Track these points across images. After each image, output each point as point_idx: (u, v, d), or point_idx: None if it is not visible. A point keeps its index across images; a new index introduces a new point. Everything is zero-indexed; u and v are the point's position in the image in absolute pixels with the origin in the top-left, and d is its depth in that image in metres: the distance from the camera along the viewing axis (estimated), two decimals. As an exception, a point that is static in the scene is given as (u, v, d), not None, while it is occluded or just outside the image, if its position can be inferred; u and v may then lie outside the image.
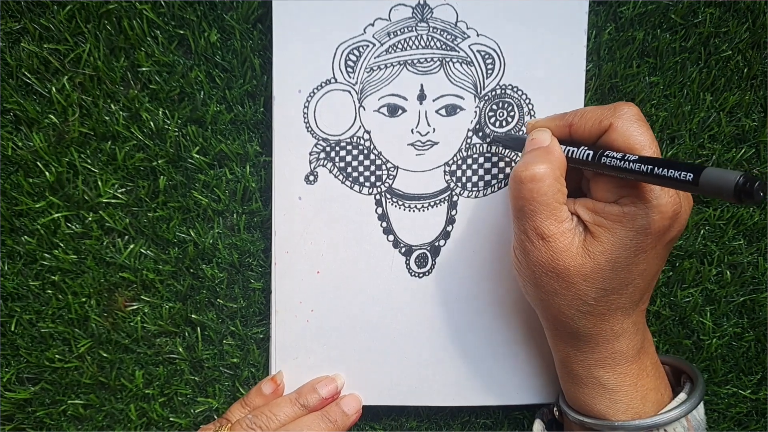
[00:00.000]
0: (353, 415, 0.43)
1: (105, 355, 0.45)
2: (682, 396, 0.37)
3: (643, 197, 0.33)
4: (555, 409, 0.43)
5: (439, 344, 0.44)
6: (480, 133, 0.43)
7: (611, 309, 0.35)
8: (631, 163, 0.32)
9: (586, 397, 0.38)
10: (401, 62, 0.42)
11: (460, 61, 0.42)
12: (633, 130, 0.34)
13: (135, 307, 0.45)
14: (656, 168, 0.30)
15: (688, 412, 0.36)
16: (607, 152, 0.33)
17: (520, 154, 0.39)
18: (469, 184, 0.43)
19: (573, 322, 0.36)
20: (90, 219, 0.43)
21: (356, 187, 0.43)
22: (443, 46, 0.42)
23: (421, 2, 0.42)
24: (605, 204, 0.34)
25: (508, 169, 0.43)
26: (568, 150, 0.36)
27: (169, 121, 0.43)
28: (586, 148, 0.35)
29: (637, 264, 0.34)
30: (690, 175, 0.28)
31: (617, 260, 0.34)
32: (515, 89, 0.42)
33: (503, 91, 0.43)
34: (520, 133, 0.42)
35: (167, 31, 0.42)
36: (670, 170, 0.29)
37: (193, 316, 0.45)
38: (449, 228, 0.43)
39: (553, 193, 0.35)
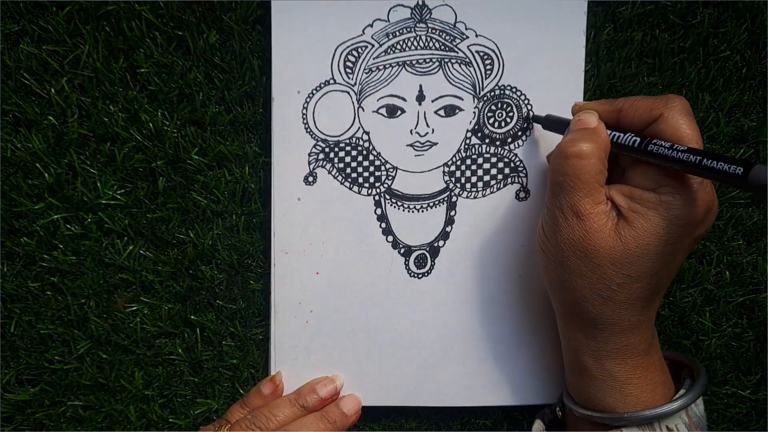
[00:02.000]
0: (353, 415, 0.43)
1: (104, 356, 0.45)
2: (682, 391, 0.37)
3: (683, 188, 0.34)
4: (558, 408, 0.43)
5: (439, 345, 0.44)
6: (479, 134, 0.43)
7: (632, 298, 0.35)
8: (680, 153, 0.32)
9: (595, 390, 0.38)
10: (400, 63, 0.42)
11: (459, 61, 0.42)
12: (682, 123, 0.34)
13: (134, 308, 0.45)
14: (705, 159, 0.30)
15: (689, 403, 0.36)
16: (655, 140, 0.34)
17: (557, 136, 0.40)
18: (468, 185, 0.43)
19: (592, 307, 0.36)
20: (89, 220, 0.43)
21: (355, 188, 0.43)
22: (442, 47, 0.42)
23: (420, 3, 0.42)
24: (643, 191, 0.35)
25: (507, 170, 0.43)
26: (614, 135, 0.36)
27: (168, 122, 0.43)
28: (632, 134, 0.35)
29: (665, 255, 0.35)
30: (740, 170, 0.28)
31: (647, 247, 0.34)
32: (514, 90, 0.42)
33: (502, 92, 0.43)
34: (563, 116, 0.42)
35: (166, 32, 0.42)
36: (720, 163, 0.30)
37: (192, 317, 0.45)
38: (448, 228, 0.43)
39: (596, 173, 0.35)
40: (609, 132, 0.37)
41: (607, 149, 0.36)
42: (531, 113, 0.42)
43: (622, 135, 0.36)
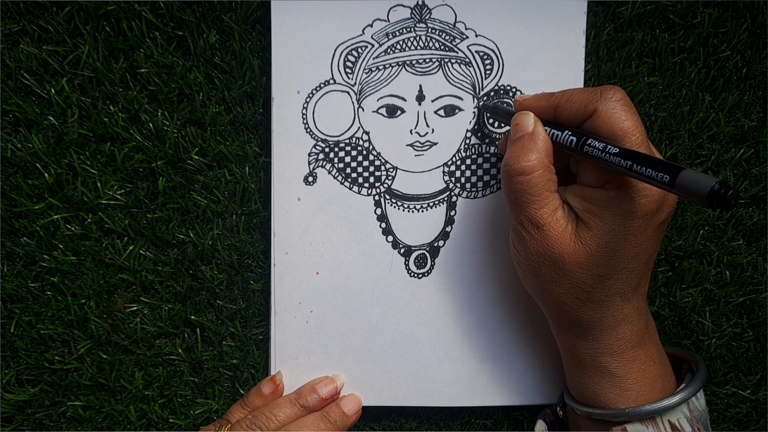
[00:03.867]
0: (353, 415, 0.43)
1: (104, 356, 0.45)
2: (683, 385, 0.37)
3: (627, 182, 0.33)
4: (558, 408, 0.43)
5: (439, 345, 0.44)
6: (479, 134, 0.43)
7: (609, 294, 0.35)
8: (612, 156, 0.32)
9: (595, 387, 0.38)
10: (400, 63, 0.42)
11: (459, 61, 0.42)
12: (617, 116, 0.33)
13: (134, 308, 0.45)
14: (635, 165, 0.30)
15: (690, 397, 0.36)
16: (590, 141, 0.33)
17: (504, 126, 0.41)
18: (468, 185, 0.43)
19: (573, 311, 0.36)
20: (89, 220, 0.43)
21: (355, 188, 0.43)
22: (442, 47, 0.42)
23: (420, 3, 0.42)
24: (592, 189, 0.35)
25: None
26: (553, 134, 0.36)
27: (168, 123, 0.43)
28: (570, 133, 0.35)
29: (629, 248, 0.34)
30: (666, 177, 0.28)
31: (608, 245, 0.34)
32: (514, 90, 0.42)
33: (502, 92, 0.43)
34: (506, 105, 0.42)
35: (166, 32, 0.42)
36: (648, 169, 0.29)
37: (192, 317, 0.45)
38: (448, 228, 0.43)
39: (544, 182, 0.35)
40: (548, 130, 0.36)
41: (549, 153, 0.36)
42: (483, 101, 0.42)
43: (560, 134, 0.35)
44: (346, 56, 0.42)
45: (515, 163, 0.35)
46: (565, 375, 0.41)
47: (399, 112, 0.43)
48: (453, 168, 0.43)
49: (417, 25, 0.42)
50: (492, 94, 0.43)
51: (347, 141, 0.43)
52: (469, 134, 0.43)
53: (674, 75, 0.44)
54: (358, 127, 0.43)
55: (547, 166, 0.35)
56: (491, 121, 0.43)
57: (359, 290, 0.44)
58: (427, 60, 0.42)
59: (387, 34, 0.42)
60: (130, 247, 0.44)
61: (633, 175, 0.31)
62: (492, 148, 0.43)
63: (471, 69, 0.42)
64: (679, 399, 0.36)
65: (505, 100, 0.42)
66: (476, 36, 0.42)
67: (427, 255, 0.44)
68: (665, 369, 0.38)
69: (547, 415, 0.43)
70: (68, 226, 0.44)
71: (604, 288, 0.35)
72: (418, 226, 0.43)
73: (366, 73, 0.42)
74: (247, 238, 0.44)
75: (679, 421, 0.36)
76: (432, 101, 0.42)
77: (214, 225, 0.44)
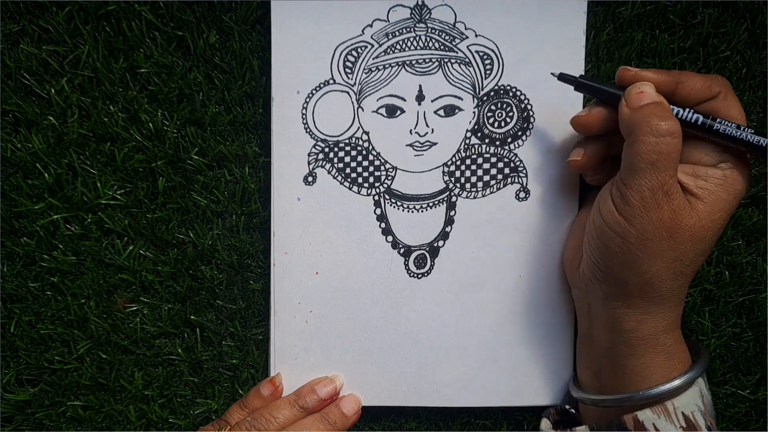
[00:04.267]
0: (353, 415, 0.43)
1: (104, 356, 0.45)
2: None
3: (741, 162, 0.36)
4: (568, 407, 0.43)
5: (439, 345, 0.44)
6: (479, 134, 0.43)
7: (694, 270, 0.37)
8: (748, 135, 0.35)
9: (642, 367, 0.37)
10: (400, 63, 0.42)
11: (459, 61, 0.42)
12: (737, 103, 0.36)
13: (134, 308, 0.45)
14: None
15: (695, 378, 0.37)
16: (719, 120, 0.35)
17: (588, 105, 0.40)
18: (467, 185, 0.43)
19: (664, 284, 0.36)
20: (89, 220, 0.43)
21: (355, 188, 0.43)
22: (441, 47, 0.42)
23: (420, 3, 0.42)
24: (707, 168, 0.36)
25: (507, 170, 0.43)
26: (677, 111, 0.36)
27: (168, 123, 0.43)
28: (693, 111, 0.36)
29: (723, 229, 0.36)
30: None
31: (718, 221, 0.36)
32: (514, 90, 0.42)
33: (502, 92, 0.43)
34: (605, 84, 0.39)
35: (166, 32, 0.42)
36: None
37: (192, 317, 0.45)
38: (448, 229, 0.43)
39: (680, 149, 0.35)
40: (672, 107, 0.36)
41: None
42: (558, 73, 0.40)
43: (682, 111, 0.36)
44: (345, 56, 0.42)
45: (664, 121, 0.34)
46: (577, 367, 0.41)
47: (399, 112, 0.43)
48: (453, 168, 0.43)
49: (417, 25, 0.42)
50: (492, 94, 0.43)
51: (347, 141, 0.43)
52: (468, 134, 0.43)
53: (674, 75, 0.44)
54: (358, 127, 0.43)
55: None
56: (491, 120, 0.43)
57: (359, 290, 0.44)
58: (427, 60, 0.42)
59: (387, 34, 0.42)
60: (130, 247, 0.44)
61: (761, 154, 0.35)
62: (492, 148, 0.43)
63: (471, 69, 0.42)
64: (680, 383, 0.36)
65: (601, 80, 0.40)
66: (476, 36, 0.42)
67: (427, 255, 0.44)
68: (682, 357, 0.39)
69: (551, 414, 0.43)
70: (68, 226, 0.44)
71: (696, 264, 0.36)
72: (418, 226, 0.43)
73: (366, 73, 0.42)
74: (246, 238, 0.44)
75: (693, 414, 0.36)
76: (432, 101, 0.42)
77: (213, 225, 0.44)
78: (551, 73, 0.40)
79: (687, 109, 0.36)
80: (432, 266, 0.44)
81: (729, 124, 0.35)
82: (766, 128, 0.44)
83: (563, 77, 0.39)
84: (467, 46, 0.42)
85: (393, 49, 0.42)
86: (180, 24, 0.42)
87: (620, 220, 0.35)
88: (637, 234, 0.35)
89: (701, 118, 0.36)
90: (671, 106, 0.36)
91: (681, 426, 0.36)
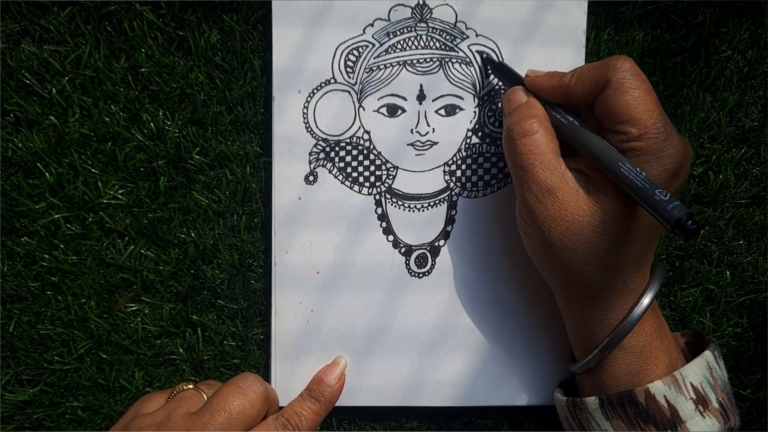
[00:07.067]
0: (335, 384, 0.43)
1: (105, 356, 0.45)
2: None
3: (645, 148, 0.33)
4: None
5: (439, 345, 0.44)
6: (480, 133, 0.43)
7: (623, 261, 0.35)
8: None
9: (605, 360, 0.37)
10: (401, 62, 0.42)
11: (460, 61, 0.42)
12: (628, 86, 0.34)
13: (135, 308, 0.45)
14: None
15: (654, 295, 0.36)
16: (579, 125, 0.36)
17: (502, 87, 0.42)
18: (468, 184, 0.43)
19: (585, 278, 0.35)
20: (90, 220, 0.43)
21: (356, 188, 0.43)
22: (442, 47, 0.42)
23: (421, 2, 0.42)
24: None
25: (507, 169, 0.43)
26: (554, 115, 0.37)
27: (169, 122, 0.43)
28: (565, 112, 0.37)
29: (644, 214, 0.34)
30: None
31: (624, 210, 0.34)
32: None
33: (503, 92, 0.43)
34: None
35: (167, 32, 0.42)
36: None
37: (193, 317, 0.45)
38: (449, 228, 0.43)
39: (548, 143, 0.35)
40: (553, 112, 0.37)
41: (547, 119, 0.36)
42: (485, 55, 0.42)
43: (556, 114, 0.37)
44: (346, 56, 0.42)
45: (518, 124, 0.36)
46: (573, 348, 0.41)
47: (400, 111, 0.43)
48: (454, 167, 0.43)
49: (418, 24, 0.42)
50: (493, 93, 0.43)
51: (348, 140, 0.43)
52: (469, 134, 0.43)
53: (675, 75, 0.44)
54: (359, 127, 0.43)
55: (549, 129, 0.36)
56: (492, 120, 0.43)
57: (360, 290, 0.44)
58: (428, 59, 0.42)
59: (388, 34, 0.42)
60: (131, 247, 0.44)
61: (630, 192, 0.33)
62: (493, 148, 0.43)
63: (471, 69, 0.42)
64: (650, 300, 0.36)
65: (507, 65, 0.42)
66: (477, 36, 0.42)
67: (428, 254, 0.44)
68: (670, 346, 0.37)
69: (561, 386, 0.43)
70: (69, 226, 0.44)
71: (618, 254, 0.35)
72: (419, 226, 0.43)
73: (367, 73, 0.42)
74: (248, 237, 0.44)
75: (701, 385, 0.36)
76: (433, 101, 0.43)
77: (215, 224, 0.44)
78: (477, 52, 0.42)
79: (561, 112, 0.37)
80: (433, 265, 0.44)
81: (582, 131, 0.35)
82: (766, 128, 0.44)
83: (487, 60, 0.42)
84: (468, 46, 0.42)
85: (394, 48, 0.42)
86: (181, 24, 0.43)
87: (521, 222, 0.38)
88: (536, 233, 0.36)
89: (569, 121, 0.36)
90: (557, 111, 0.37)
91: (691, 398, 0.35)
